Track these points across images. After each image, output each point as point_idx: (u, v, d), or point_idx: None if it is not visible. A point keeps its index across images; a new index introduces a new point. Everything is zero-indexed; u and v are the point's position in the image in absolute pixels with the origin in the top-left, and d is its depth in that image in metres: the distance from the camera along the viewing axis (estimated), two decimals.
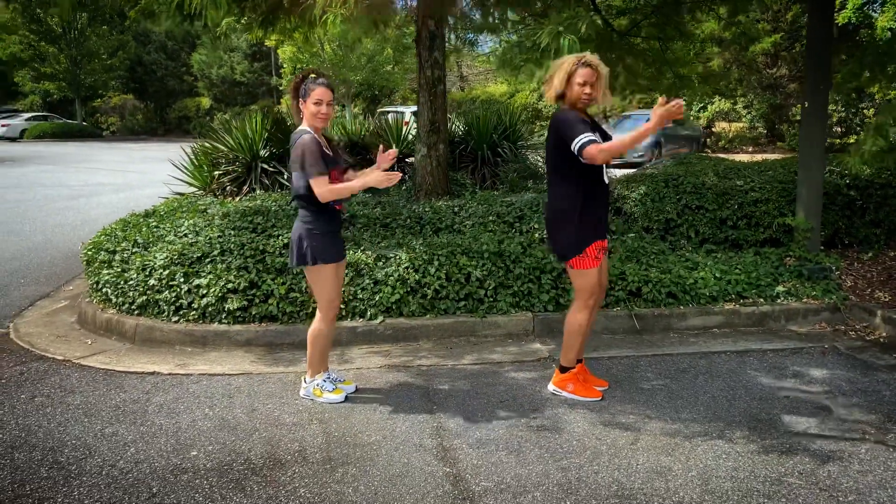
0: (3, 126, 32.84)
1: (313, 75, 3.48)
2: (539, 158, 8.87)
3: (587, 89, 3.32)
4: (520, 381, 3.95)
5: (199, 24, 4.88)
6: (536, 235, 5.42)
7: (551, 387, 3.76)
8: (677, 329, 4.81)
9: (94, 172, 16.71)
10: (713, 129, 23.61)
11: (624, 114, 21.70)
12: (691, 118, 22.79)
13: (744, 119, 23.60)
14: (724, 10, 7.56)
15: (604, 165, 3.46)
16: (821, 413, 3.49)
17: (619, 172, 9.22)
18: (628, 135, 3.27)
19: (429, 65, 6.49)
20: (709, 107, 23.67)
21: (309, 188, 3.38)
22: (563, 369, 3.73)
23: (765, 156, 17.88)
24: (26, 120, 34.13)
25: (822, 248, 5.72)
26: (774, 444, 3.15)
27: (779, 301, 4.96)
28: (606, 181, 3.54)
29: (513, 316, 4.71)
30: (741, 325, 4.85)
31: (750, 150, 22.02)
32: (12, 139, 32.20)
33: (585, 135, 3.24)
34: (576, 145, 3.25)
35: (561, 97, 3.41)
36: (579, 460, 3.02)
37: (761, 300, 4.96)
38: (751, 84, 22.33)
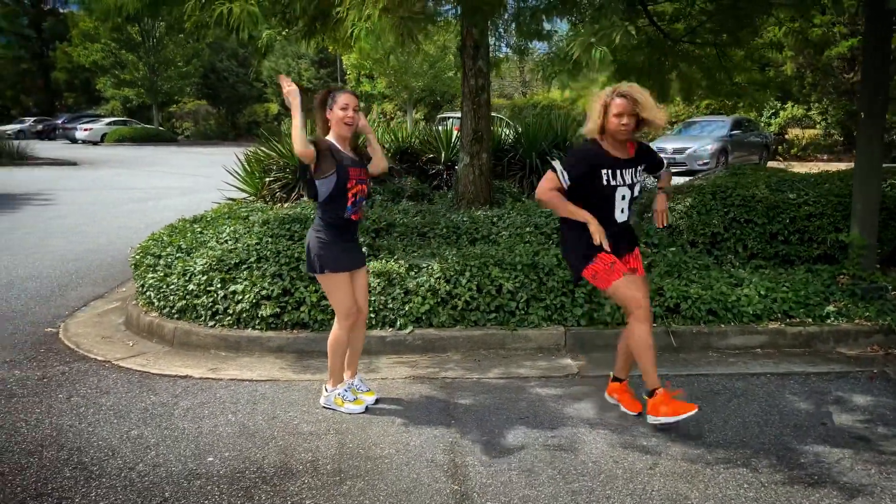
0: (85, 130, 34.62)
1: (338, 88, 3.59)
2: None
3: (624, 120, 3.27)
4: (543, 397, 3.88)
5: (243, 36, 4.99)
6: None
7: (650, 418, 3.45)
8: (717, 348, 4.63)
9: (164, 176, 17.41)
10: (785, 136, 22.68)
11: (689, 120, 21.14)
12: (761, 125, 21.99)
13: (818, 126, 22.59)
14: (784, 15, 7.25)
15: (622, 206, 3.42)
16: (857, 444, 3.28)
17: (679, 181, 8.98)
18: (569, 208, 3.34)
19: (472, 74, 6.47)
20: (781, 113, 22.77)
21: (317, 196, 3.46)
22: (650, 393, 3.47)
23: (841, 165, 17.08)
24: (107, 124, 35.86)
25: (878, 266, 5.40)
26: (802, 476, 2.98)
27: (828, 321, 4.71)
28: (620, 219, 3.45)
29: (544, 329, 4.63)
30: (786, 346, 4.63)
31: (825, 158, 21.06)
32: (94, 143, 33.91)
33: (560, 171, 3.32)
34: (553, 168, 3.37)
35: (603, 131, 3.38)
36: (592, 483, 2.94)
37: (809, 320, 4.72)
38: (826, 89, 21.37)
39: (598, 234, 3.25)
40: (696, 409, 3.31)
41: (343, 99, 3.48)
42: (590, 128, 3.40)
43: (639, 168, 3.46)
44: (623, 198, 3.41)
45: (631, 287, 3.37)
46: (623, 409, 3.68)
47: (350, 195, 3.48)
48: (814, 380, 4.13)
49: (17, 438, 3.33)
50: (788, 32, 7.47)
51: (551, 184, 3.34)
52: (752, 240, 5.67)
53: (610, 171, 3.35)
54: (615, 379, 3.78)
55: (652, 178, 3.84)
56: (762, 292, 4.81)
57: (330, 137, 3.52)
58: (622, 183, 3.38)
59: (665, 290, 4.74)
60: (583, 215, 3.31)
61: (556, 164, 3.37)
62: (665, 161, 3.69)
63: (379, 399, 3.82)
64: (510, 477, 3.00)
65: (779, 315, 4.74)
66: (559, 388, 4.02)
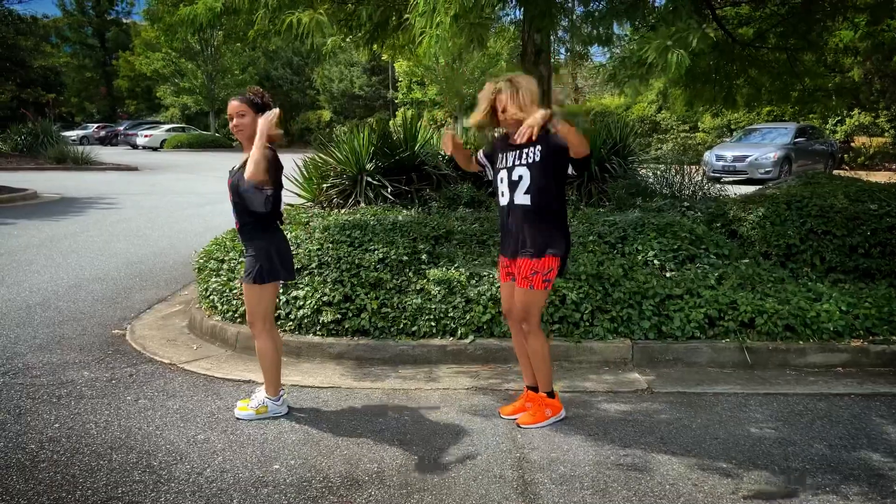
0: (145, 137, 35.77)
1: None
2: (650, 175, 8.50)
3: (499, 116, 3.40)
4: (612, 413, 3.74)
5: (310, 43, 5.01)
6: (640, 258, 5.16)
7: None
8: (795, 366, 4.40)
9: (221, 181, 17.68)
10: (852, 144, 21.85)
11: (749, 127, 20.56)
12: (826, 132, 21.24)
13: (886, 134, 21.69)
14: (861, 19, 6.95)
15: (501, 189, 3.46)
16: None
17: (741, 190, 8.69)
18: None
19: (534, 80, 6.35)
20: (847, 120, 21.95)
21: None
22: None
23: None
24: (166, 131, 36.97)
25: None
26: None
27: None
28: (504, 202, 3.48)
29: (610, 342, 4.48)
30: (869, 366, 4.38)
31: (894, 167, 20.20)
32: (154, 149, 34.97)
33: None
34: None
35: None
36: None
37: (894, 338, 4.45)
38: (895, 97, 20.51)
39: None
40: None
41: (228, 109, 3.48)
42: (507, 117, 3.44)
43: (527, 150, 3.36)
44: (501, 180, 3.47)
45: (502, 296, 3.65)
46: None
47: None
48: None
49: (87, 440, 3.36)
50: (865, 36, 7.15)
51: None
52: (830, 252, 5.40)
53: (500, 154, 3.49)
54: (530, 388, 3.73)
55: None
56: (843, 308, 4.56)
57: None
58: (503, 165, 3.46)
59: (739, 304, 4.54)
60: None
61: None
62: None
63: (441, 407, 3.74)
64: (583, 497, 2.87)
65: (861, 332, 4.49)
66: (628, 403, 3.88)
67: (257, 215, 3.44)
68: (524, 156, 3.37)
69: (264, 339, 3.61)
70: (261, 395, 3.68)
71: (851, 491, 2.91)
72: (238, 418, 3.60)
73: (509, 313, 3.63)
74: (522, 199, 3.39)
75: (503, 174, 3.45)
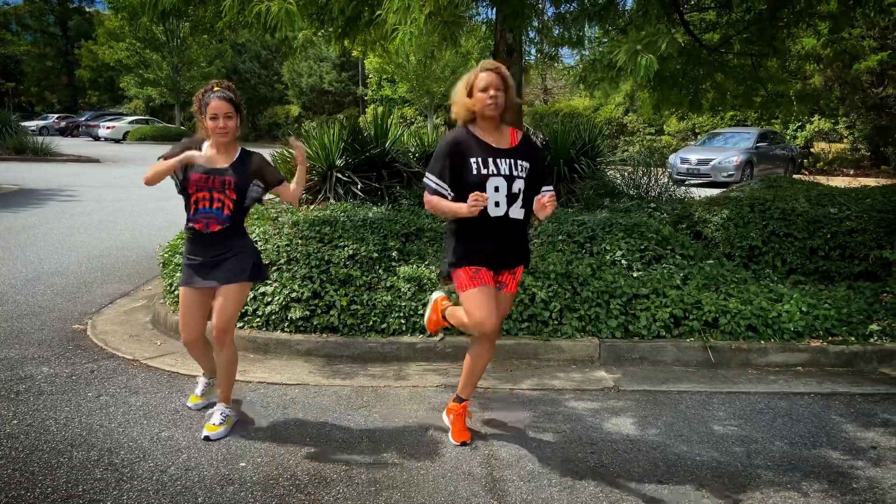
0: (108, 128, 34.98)
1: (217, 88, 3.22)
2: (618, 176, 8.62)
3: (491, 92, 2.96)
4: (579, 411, 3.77)
5: (279, 36, 4.95)
6: (608, 257, 5.21)
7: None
8: (756, 365, 4.50)
9: None
10: (811, 150, 22.41)
11: (713, 131, 20.94)
12: (787, 137, 21.74)
13: (845, 140, 22.30)
14: (824, 27, 7.12)
15: (496, 198, 3.01)
16: None
17: (705, 192, 8.85)
18: (451, 206, 2.98)
19: None
20: (807, 126, 22.50)
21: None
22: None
23: (867, 180, 16.83)
24: (129, 123, 36.21)
25: None
26: (856, 502, 2.86)
27: (872, 340, 4.57)
28: (496, 214, 3.04)
29: (578, 341, 4.53)
30: (828, 365, 4.49)
31: (851, 173, 20.76)
32: (116, 141, 34.22)
33: (432, 179, 3.04)
34: (426, 182, 3.09)
35: (472, 118, 3.07)
36: (637, 502, 2.83)
37: (852, 339, 4.58)
38: (854, 103, 21.10)
39: (475, 202, 2.86)
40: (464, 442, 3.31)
41: (212, 107, 3.15)
42: (455, 111, 3.09)
43: (521, 163, 3.05)
44: (497, 189, 3.00)
45: (482, 307, 3.06)
46: (450, 435, 3.38)
47: (192, 202, 3.26)
48: (859, 401, 3.99)
49: (46, 437, 3.27)
50: (827, 44, 7.34)
51: (431, 198, 3.06)
52: (791, 254, 5.54)
53: (480, 159, 3.00)
54: (458, 399, 3.44)
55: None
56: (804, 308, 4.68)
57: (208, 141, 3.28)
58: (496, 172, 3.00)
59: (703, 304, 4.62)
60: (456, 208, 2.96)
61: (427, 178, 3.08)
62: (551, 190, 3.14)
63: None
64: (551, 493, 2.90)
65: (821, 333, 4.60)
66: (595, 401, 3.92)
67: (244, 212, 3.38)
68: (521, 168, 3.06)
69: (229, 347, 3.34)
70: (220, 408, 3.41)
71: (812, 488, 2.98)
72: (210, 439, 3.29)
73: (495, 328, 3.14)
74: (518, 213, 3.10)
75: (499, 182, 3.01)
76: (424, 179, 3.10)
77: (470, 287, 3.09)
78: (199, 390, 3.71)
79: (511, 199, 3.04)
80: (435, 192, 3.05)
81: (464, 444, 3.31)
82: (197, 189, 3.23)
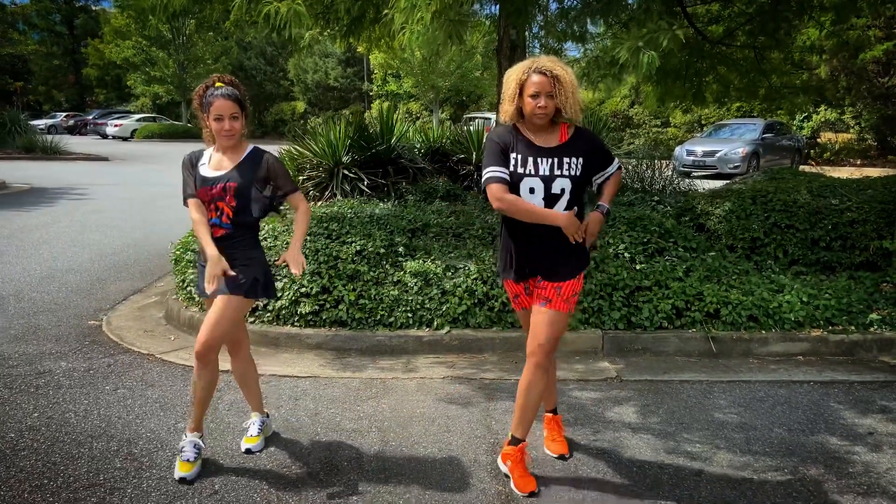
0: (115, 126, 35.17)
1: (219, 84, 2.96)
2: (627, 168, 8.66)
3: (541, 102, 2.71)
4: (583, 400, 3.87)
5: (285, 35, 5.03)
6: (611, 250, 5.29)
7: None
8: (757, 355, 4.58)
9: None
10: (818, 140, 22.36)
11: (719, 122, 20.92)
12: (794, 128, 21.70)
13: (852, 130, 22.24)
14: (826, 18, 7.15)
15: (540, 197, 2.79)
16: None
17: (710, 184, 8.90)
18: (542, 212, 2.77)
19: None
20: (813, 116, 22.45)
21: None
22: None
23: (874, 170, 16.81)
24: (136, 121, 36.40)
25: None
26: (851, 485, 2.94)
27: (872, 329, 4.64)
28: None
29: (581, 332, 4.62)
30: (828, 354, 4.57)
31: (858, 163, 20.72)
32: (124, 138, 34.42)
33: (492, 169, 2.80)
34: (483, 178, 2.84)
35: (521, 115, 2.83)
36: (638, 489, 2.92)
37: (852, 328, 4.65)
38: (860, 94, 21.02)
39: (572, 229, 2.74)
40: (532, 492, 2.87)
41: (216, 108, 2.90)
42: (504, 109, 2.86)
43: (569, 160, 2.80)
44: (532, 191, 2.79)
45: (528, 327, 2.91)
46: (512, 483, 2.95)
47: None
48: (858, 388, 4.07)
49: (66, 429, 3.39)
50: (830, 35, 7.36)
51: (497, 188, 2.77)
52: (792, 245, 5.60)
53: (520, 157, 2.80)
54: (513, 440, 3.03)
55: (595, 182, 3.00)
56: (804, 299, 4.75)
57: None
58: (533, 172, 2.78)
59: (705, 296, 4.70)
60: (553, 216, 2.77)
61: (486, 173, 2.81)
62: (617, 162, 2.99)
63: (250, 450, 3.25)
64: (555, 480, 2.99)
65: (821, 322, 4.68)
66: (598, 391, 4.01)
67: (252, 219, 3.04)
68: (567, 166, 2.79)
69: (213, 367, 3.08)
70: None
71: (809, 473, 3.06)
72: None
73: (532, 351, 2.88)
74: None
75: (534, 184, 2.79)
76: (483, 180, 2.83)
77: (514, 308, 3.13)
78: (254, 431, 3.30)
79: (550, 199, 2.81)
80: (500, 181, 2.78)
81: (532, 494, 2.86)
82: (206, 202, 3.02)
